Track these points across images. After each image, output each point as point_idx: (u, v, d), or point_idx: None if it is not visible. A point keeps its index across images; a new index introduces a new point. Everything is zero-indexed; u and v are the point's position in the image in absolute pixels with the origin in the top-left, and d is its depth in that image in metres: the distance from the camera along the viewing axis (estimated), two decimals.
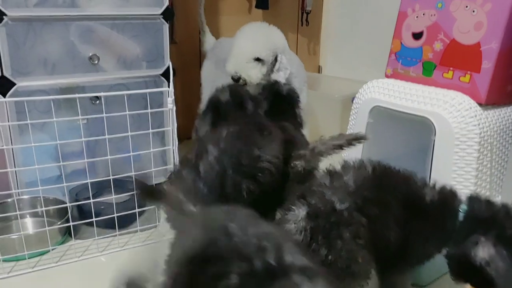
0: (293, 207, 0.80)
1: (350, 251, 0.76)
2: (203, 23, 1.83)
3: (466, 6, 1.14)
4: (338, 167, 0.88)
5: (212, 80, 1.77)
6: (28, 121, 1.09)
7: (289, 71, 1.48)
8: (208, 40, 1.83)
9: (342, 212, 0.78)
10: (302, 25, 2.35)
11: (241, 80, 1.45)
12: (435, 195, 0.88)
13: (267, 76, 1.50)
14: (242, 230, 0.61)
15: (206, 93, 1.79)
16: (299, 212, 0.78)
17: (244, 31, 1.49)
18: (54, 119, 1.11)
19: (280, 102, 1.17)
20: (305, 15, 2.31)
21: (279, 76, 1.47)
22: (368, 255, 0.80)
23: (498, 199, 1.18)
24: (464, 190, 1.12)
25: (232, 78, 1.46)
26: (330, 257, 0.75)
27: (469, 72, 1.15)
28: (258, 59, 1.45)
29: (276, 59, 1.48)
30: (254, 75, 1.45)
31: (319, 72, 2.50)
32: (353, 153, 1.36)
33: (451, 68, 1.18)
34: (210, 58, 1.77)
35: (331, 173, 0.86)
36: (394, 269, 0.90)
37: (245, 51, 1.45)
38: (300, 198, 0.80)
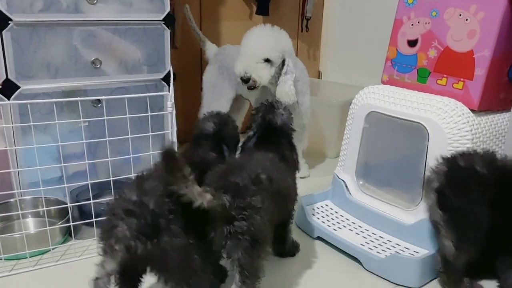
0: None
1: None
2: (200, 35, 1.86)
3: (460, 15, 1.17)
4: None
5: (213, 86, 1.79)
6: (31, 123, 1.12)
7: (294, 74, 1.51)
8: (209, 47, 1.86)
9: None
10: (302, 31, 2.38)
11: (250, 81, 1.47)
12: None
13: (276, 78, 1.51)
14: None
15: (207, 99, 1.82)
16: None
17: (253, 32, 1.50)
18: (57, 121, 1.14)
19: (273, 133, 1.14)
20: (305, 21, 2.35)
21: (287, 79, 1.49)
22: None
23: None
24: None
25: (242, 78, 1.47)
26: None
27: (462, 79, 1.18)
28: (267, 60, 1.46)
29: (283, 62, 1.50)
30: (264, 75, 1.46)
31: (319, 78, 2.52)
32: (349, 158, 1.39)
33: (444, 75, 1.21)
34: (213, 63, 1.80)
35: None
36: None
37: (255, 51, 1.46)
38: None
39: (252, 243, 0.87)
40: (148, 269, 0.85)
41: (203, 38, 1.86)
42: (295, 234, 1.27)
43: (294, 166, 1.14)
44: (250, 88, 1.50)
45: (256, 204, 0.87)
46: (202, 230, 0.88)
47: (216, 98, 1.79)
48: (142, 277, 0.90)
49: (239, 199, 0.86)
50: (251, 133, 1.15)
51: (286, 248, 1.20)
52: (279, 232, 1.14)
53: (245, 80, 1.47)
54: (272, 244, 1.07)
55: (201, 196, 0.81)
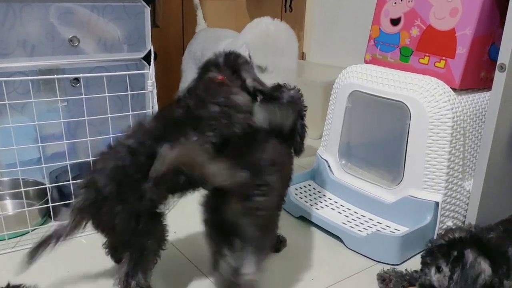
0: None
1: None
2: (198, 14, 1.82)
3: None
4: None
5: (184, 70, 1.77)
6: (6, 102, 1.08)
7: None
8: (199, 22, 1.82)
9: None
10: (285, 11, 2.35)
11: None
12: None
13: None
14: None
15: (182, 83, 1.79)
16: None
17: (276, 41, 1.41)
18: (33, 99, 1.11)
19: None
20: (288, 1, 2.32)
21: None
22: None
23: (470, 182, 1.21)
24: (437, 173, 1.15)
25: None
26: None
27: (444, 57, 1.18)
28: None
29: None
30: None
31: (302, 59, 2.51)
32: (332, 137, 1.39)
33: (427, 54, 1.21)
34: (188, 47, 1.77)
35: None
36: None
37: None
38: None
39: (267, 221, 0.90)
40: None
41: (200, 20, 1.81)
42: None
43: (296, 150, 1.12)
44: None
45: (272, 183, 0.90)
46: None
47: (187, 83, 1.76)
48: None
49: (258, 177, 0.88)
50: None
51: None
52: None
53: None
54: None
55: (224, 175, 0.82)
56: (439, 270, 0.89)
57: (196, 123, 0.92)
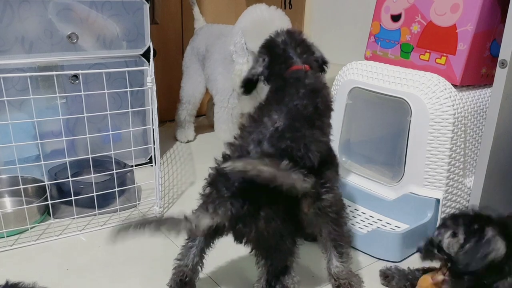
0: None
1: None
2: (195, 10, 1.80)
3: None
4: None
5: (187, 66, 1.76)
6: (5, 98, 1.08)
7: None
8: (197, 18, 1.81)
9: None
10: (285, 8, 2.34)
11: None
12: None
13: None
14: None
15: (183, 79, 1.78)
16: None
17: (270, 26, 1.32)
18: (31, 96, 1.10)
19: None
20: None
21: None
22: None
23: (471, 179, 1.21)
24: (438, 170, 1.15)
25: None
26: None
27: (445, 54, 1.17)
28: None
29: None
30: None
31: None
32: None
33: (427, 50, 1.20)
34: (190, 43, 1.76)
35: None
36: None
37: None
38: None
39: (338, 212, 0.93)
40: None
41: (197, 16, 1.80)
42: None
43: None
44: None
45: (332, 177, 0.92)
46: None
47: (190, 80, 1.75)
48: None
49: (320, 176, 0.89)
50: None
51: None
52: None
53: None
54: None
55: (303, 182, 0.83)
56: (454, 235, 0.88)
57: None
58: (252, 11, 1.43)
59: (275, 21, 1.38)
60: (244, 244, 0.88)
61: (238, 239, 0.88)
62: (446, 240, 0.89)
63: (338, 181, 1.02)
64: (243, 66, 1.41)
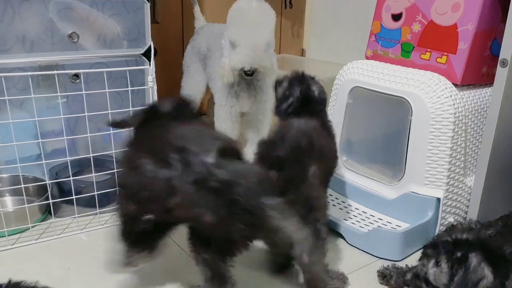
0: None
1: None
2: (195, 9, 1.80)
3: None
4: None
5: (187, 66, 1.76)
6: (6, 97, 1.08)
7: None
8: (198, 17, 1.81)
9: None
10: (285, 7, 2.34)
11: (255, 73, 1.37)
12: None
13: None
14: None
15: (184, 79, 1.78)
16: None
17: (247, 15, 1.37)
18: (32, 95, 1.10)
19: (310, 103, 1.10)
20: None
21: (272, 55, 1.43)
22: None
23: (471, 178, 1.21)
24: (438, 169, 1.15)
25: (246, 72, 1.36)
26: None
27: (445, 53, 1.17)
28: (268, 44, 1.37)
29: None
30: (273, 63, 1.40)
31: (302, 55, 2.50)
32: None
33: (428, 49, 1.20)
34: (191, 42, 1.76)
35: None
36: None
37: (261, 39, 1.35)
38: None
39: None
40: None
41: (198, 15, 1.80)
42: None
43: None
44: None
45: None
46: None
47: (191, 79, 1.75)
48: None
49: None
50: (289, 102, 1.08)
51: None
52: None
53: (250, 74, 1.36)
54: None
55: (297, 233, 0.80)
56: (437, 264, 0.89)
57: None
58: (235, 5, 1.43)
59: (253, 10, 1.38)
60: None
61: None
62: (431, 270, 0.89)
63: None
64: (227, 58, 1.40)
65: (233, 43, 1.37)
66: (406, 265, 1.03)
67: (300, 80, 1.11)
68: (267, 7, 1.44)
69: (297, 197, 0.88)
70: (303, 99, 1.08)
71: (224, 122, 1.57)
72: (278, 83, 1.13)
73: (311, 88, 1.09)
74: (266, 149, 0.96)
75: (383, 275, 1.03)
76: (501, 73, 1.05)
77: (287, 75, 1.13)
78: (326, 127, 1.09)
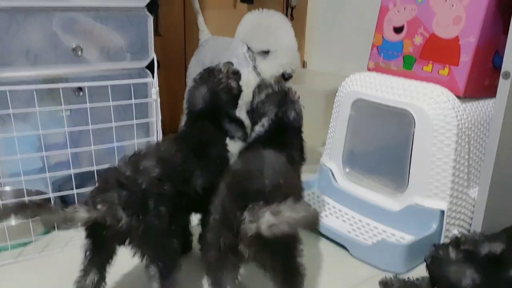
0: None
1: None
2: (200, 21, 1.82)
3: (445, 0, 1.17)
4: None
5: (191, 78, 1.76)
6: (11, 111, 1.08)
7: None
8: (202, 37, 1.82)
9: None
10: None
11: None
12: None
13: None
14: None
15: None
16: None
17: (270, 22, 1.40)
18: (37, 108, 1.10)
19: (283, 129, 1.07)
20: (290, 9, 2.33)
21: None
22: None
23: (475, 190, 1.21)
24: (442, 181, 1.15)
25: (285, 76, 1.37)
26: None
27: (448, 65, 1.18)
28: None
29: None
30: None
31: (303, 67, 2.51)
32: (335, 145, 1.39)
33: (430, 62, 1.21)
34: (195, 55, 1.77)
35: None
36: None
37: (292, 41, 1.39)
38: None
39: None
40: (127, 242, 0.85)
41: (202, 26, 1.81)
42: None
43: (300, 166, 1.08)
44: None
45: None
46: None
47: None
48: (114, 253, 0.90)
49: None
50: (260, 129, 1.04)
51: None
52: None
53: (289, 77, 1.37)
54: None
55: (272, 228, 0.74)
56: None
57: None
58: (247, 18, 1.46)
59: (269, 15, 1.42)
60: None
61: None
62: None
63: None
64: (249, 75, 1.42)
65: (264, 51, 1.39)
66: (408, 277, 1.02)
67: (280, 100, 1.06)
68: (279, 13, 1.46)
69: None
70: (276, 126, 1.03)
71: None
72: (259, 88, 1.10)
73: (287, 114, 1.04)
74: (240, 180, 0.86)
75: (385, 283, 1.02)
76: (503, 85, 1.05)
77: (271, 85, 1.10)
78: (292, 161, 1.00)
